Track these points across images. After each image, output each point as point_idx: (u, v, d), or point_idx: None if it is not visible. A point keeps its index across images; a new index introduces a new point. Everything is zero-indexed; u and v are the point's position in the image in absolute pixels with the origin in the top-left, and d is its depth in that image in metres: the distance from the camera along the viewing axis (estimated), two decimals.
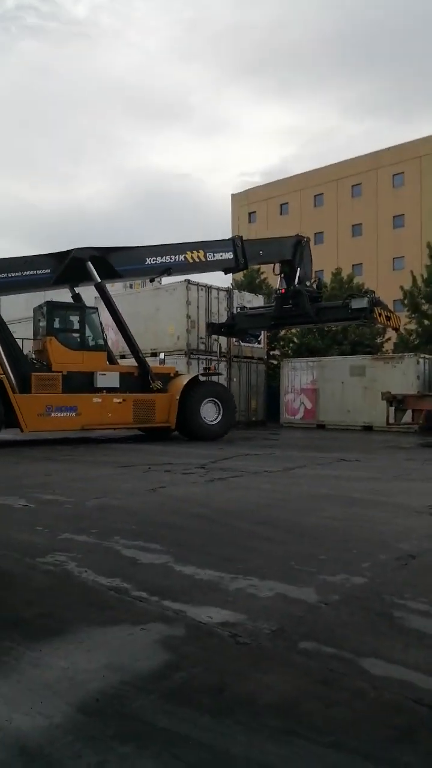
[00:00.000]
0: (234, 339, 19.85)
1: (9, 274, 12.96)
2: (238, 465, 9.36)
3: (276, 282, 20.05)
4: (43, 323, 13.74)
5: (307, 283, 16.72)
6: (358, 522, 5.34)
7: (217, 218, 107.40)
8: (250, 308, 19.41)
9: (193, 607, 3.06)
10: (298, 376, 21.79)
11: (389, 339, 27.51)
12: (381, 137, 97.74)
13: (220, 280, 18.42)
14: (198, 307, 19.07)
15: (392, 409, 15.43)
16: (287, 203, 52.40)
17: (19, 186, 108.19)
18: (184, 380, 14.61)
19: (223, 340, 19.75)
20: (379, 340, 27.30)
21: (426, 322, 25.31)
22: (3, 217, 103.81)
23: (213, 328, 18.83)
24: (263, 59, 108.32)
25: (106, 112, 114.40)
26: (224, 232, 64.08)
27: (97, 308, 14.33)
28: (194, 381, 14.83)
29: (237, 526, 5.02)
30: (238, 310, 19.13)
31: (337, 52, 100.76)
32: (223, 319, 19.36)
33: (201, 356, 19.12)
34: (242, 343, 20.52)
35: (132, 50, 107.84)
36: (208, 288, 19.41)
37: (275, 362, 25.39)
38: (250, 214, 55.06)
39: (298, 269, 16.32)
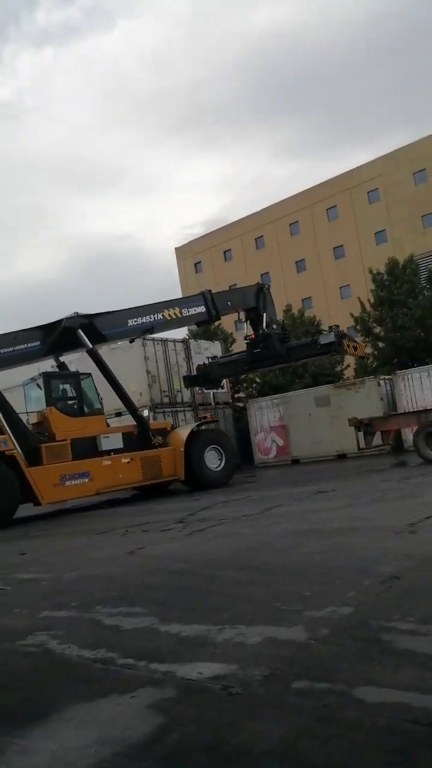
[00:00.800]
0: (197, 388, 19.97)
1: (2, 351, 13.05)
2: (217, 513, 9.29)
3: (230, 327, 20.38)
4: (37, 394, 13.85)
5: (274, 326, 17.56)
6: (339, 552, 5.34)
7: (164, 273, 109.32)
8: (222, 357, 19.96)
9: (181, 666, 3.00)
10: (266, 415, 21.93)
11: (348, 366, 28.04)
12: (311, 175, 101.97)
13: (175, 332, 18.63)
14: (156, 361, 19.20)
15: (361, 434, 15.60)
16: (230, 249, 53.74)
17: None
18: (186, 432, 14.82)
19: (185, 390, 19.83)
20: (338, 368, 27.78)
21: (380, 344, 25.93)
22: None
23: (190, 381, 18.95)
24: (186, 117, 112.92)
25: (38, 186, 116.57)
26: (173, 285, 65.16)
27: (90, 373, 14.50)
28: (193, 431, 14.99)
29: (220, 576, 4.96)
30: (208, 360, 19.45)
31: (256, 101, 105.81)
32: (183, 370, 19.50)
33: (166, 409, 19.13)
34: (205, 391, 20.62)
35: (58, 124, 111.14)
36: (164, 341, 19.58)
37: (241, 404, 25.54)
38: (195, 264, 56.20)
39: (264, 314, 17.03)
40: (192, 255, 56.42)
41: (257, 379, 27.47)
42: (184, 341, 20.86)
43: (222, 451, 15.20)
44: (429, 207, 41.87)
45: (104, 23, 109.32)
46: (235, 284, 52.03)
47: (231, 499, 11.36)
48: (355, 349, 17.63)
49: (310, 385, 24.16)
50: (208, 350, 21.07)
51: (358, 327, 27.26)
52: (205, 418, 16.75)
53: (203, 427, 15.54)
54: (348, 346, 17.05)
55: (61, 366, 14.74)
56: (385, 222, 44.41)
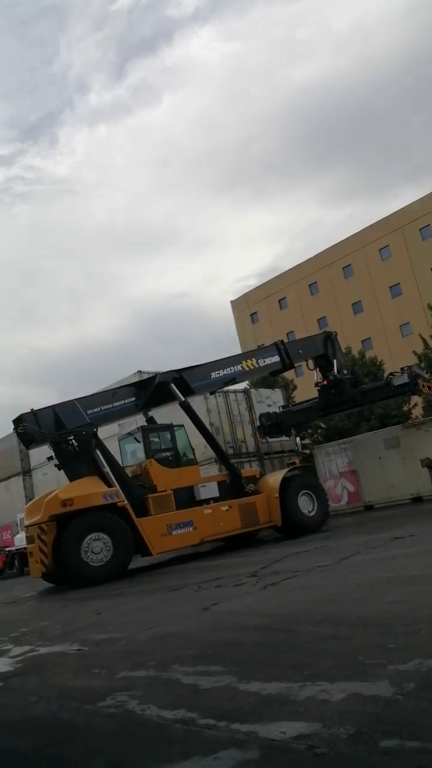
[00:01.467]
0: (262, 438, 19.90)
1: (102, 408, 13.77)
2: (290, 565, 9.06)
3: (290, 374, 20.38)
4: (132, 448, 14.47)
5: (345, 371, 18.09)
6: (422, 600, 5.08)
7: (222, 327, 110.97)
8: (294, 404, 20.69)
9: (263, 726, 2.91)
10: (334, 461, 21.43)
11: (416, 405, 27.29)
12: (361, 219, 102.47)
13: None
14: (219, 413, 19.28)
15: None
16: (284, 297, 54.19)
17: (28, 335, 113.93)
18: (279, 478, 14.90)
19: (249, 440, 19.76)
20: (405, 408, 27.07)
21: (417, 369, 25.10)
22: (21, 367, 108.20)
23: (265, 430, 19.14)
24: (235, 174, 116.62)
25: (100, 254, 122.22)
26: (230, 338, 65.93)
27: (182, 425, 14.92)
28: (285, 477, 15.07)
29: (298, 631, 4.81)
30: (279, 408, 19.90)
31: (302, 151, 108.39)
32: (246, 419, 19.55)
33: (232, 460, 19.04)
34: (270, 439, 20.47)
35: (114, 193, 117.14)
36: (225, 393, 19.70)
37: (308, 451, 25.15)
38: (251, 315, 56.87)
39: (335, 360, 17.65)
40: (247, 306, 57.23)
41: (322, 425, 27.09)
42: (245, 391, 20.92)
43: (314, 496, 15.21)
44: None
45: (151, 97, 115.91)
46: (292, 331, 52.33)
47: (304, 550, 11.06)
48: (431, 388, 17.75)
49: (377, 427, 23.59)
50: (269, 398, 21.01)
51: (422, 364, 26.65)
52: (294, 464, 16.76)
53: (295, 473, 15.59)
54: (423, 385, 17.36)
55: (150, 420, 15.21)
56: None
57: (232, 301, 59.61)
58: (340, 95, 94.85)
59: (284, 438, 21.31)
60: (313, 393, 19.48)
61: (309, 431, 27.50)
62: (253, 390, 21.63)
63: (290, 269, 54.64)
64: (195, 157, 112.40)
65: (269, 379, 28.87)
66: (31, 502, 14.62)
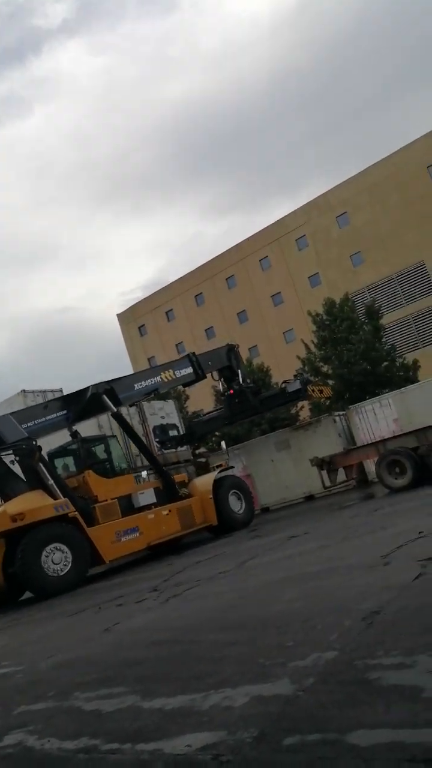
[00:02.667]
0: (157, 448, 19.85)
1: (35, 421, 13.63)
2: (192, 575, 9.06)
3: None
4: (64, 461, 14.55)
5: (248, 381, 19.04)
6: (317, 595, 5.27)
7: (111, 341, 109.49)
8: (204, 414, 21.45)
9: (169, 741, 2.86)
10: None
11: (302, 407, 28.38)
12: (241, 230, 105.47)
13: None
14: (112, 428, 18.94)
15: (324, 472, 15.67)
16: (171, 309, 54.47)
17: None
18: (210, 479, 15.51)
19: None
20: (293, 411, 28.07)
21: (330, 382, 26.44)
22: None
23: (177, 441, 19.70)
24: (114, 188, 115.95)
25: None
26: (119, 351, 65.24)
27: (115, 435, 15.54)
28: (216, 479, 15.69)
29: (200, 640, 4.81)
30: (193, 419, 21.03)
31: (179, 165, 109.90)
32: (140, 432, 19.36)
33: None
34: (164, 451, 20.43)
35: None
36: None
37: (203, 460, 25.33)
38: (139, 328, 56.57)
39: (239, 370, 18.56)
40: (135, 319, 56.88)
41: (216, 433, 27.44)
42: (136, 404, 20.74)
43: (242, 495, 16.00)
44: (356, 247, 43.74)
45: (22, 109, 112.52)
46: (181, 342, 52.66)
47: (205, 558, 11.11)
48: (321, 391, 19.15)
49: (268, 431, 24.26)
50: (162, 410, 20.98)
51: (306, 368, 27.79)
52: (220, 465, 17.20)
53: (224, 474, 16.22)
54: (313, 390, 18.69)
55: (74, 434, 15.05)
56: (316, 266, 46.07)
57: (118, 315, 59.02)
58: (212, 112, 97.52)
59: (181, 448, 21.38)
60: (202, 403, 20.17)
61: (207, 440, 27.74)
62: (145, 403, 21.48)
63: (175, 281, 55.04)
64: (71, 171, 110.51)
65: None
66: None
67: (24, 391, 21.11)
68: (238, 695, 3.25)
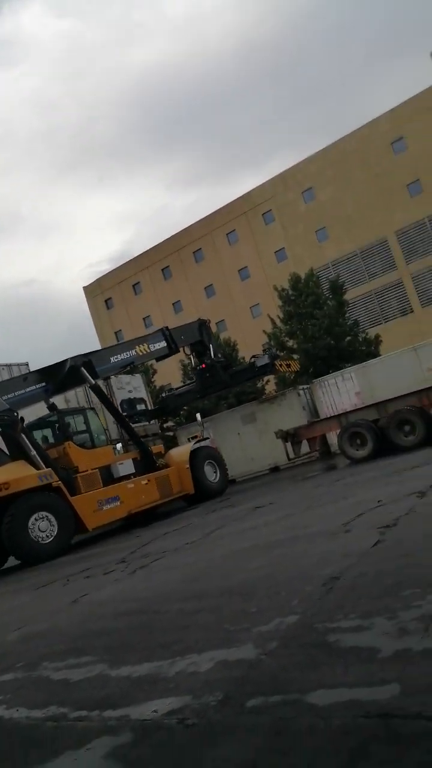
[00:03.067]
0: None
1: (15, 393, 13.70)
2: (159, 546, 9.17)
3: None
4: (42, 433, 14.55)
5: (219, 355, 19.43)
6: (281, 563, 5.41)
7: (75, 313, 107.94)
8: (176, 388, 21.80)
9: (136, 708, 2.94)
10: None
11: (268, 381, 28.61)
12: (208, 203, 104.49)
13: None
14: (78, 402, 18.80)
15: (289, 444, 15.93)
16: (138, 282, 53.86)
17: None
18: (187, 450, 16.03)
19: (112, 427, 19.57)
20: (259, 385, 28.29)
21: (295, 356, 26.68)
22: None
23: (151, 414, 20.37)
24: (77, 156, 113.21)
25: None
26: (85, 325, 64.31)
27: (94, 407, 15.76)
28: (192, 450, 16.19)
29: (166, 610, 4.90)
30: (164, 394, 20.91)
31: (145, 135, 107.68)
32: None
33: None
34: (132, 425, 20.40)
35: None
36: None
37: (171, 433, 25.42)
38: (106, 301, 55.85)
39: (210, 345, 18.83)
40: (101, 292, 56.10)
41: (184, 407, 27.50)
42: (105, 378, 20.61)
43: (216, 465, 16.50)
44: (321, 222, 43.81)
45: None
46: (148, 316, 52.25)
47: (172, 530, 11.24)
48: (289, 366, 19.72)
49: (234, 405, 24.43)
50: (129, 384, 20.88)
51: (272, 342, 27.95)
52: (195, 437, 17.68)
53: (199, 445, 16.69)
54: (281, 364, 19.29)
55: (52, 407, 15.10)
56: (282, 240, 46.03)
57: (84, 287, 58.09)
58: (178, 80, 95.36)
59: (147, 423, 21.37)
60: (168, 377, 20.29)
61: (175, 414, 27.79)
62: (113, 377, 21.35)
63: (142, 254, 54.32)
64: (33, 137, 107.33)
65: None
66: None
67: None
68: (203, 661, 3.34)
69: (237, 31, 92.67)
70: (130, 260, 55.33)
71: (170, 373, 31.03)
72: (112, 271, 56.63)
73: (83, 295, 58.10)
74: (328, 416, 16.81)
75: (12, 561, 13.69)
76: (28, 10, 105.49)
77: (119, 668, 3.62)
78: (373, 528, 5.52)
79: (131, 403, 19.89)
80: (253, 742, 2.33)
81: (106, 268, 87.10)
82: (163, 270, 52.56)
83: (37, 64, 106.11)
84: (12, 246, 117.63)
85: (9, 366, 21.23)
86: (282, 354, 24.33)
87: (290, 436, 15.76)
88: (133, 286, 54.22)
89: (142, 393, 21.65)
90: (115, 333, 53.31)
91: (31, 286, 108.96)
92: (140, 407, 20.37)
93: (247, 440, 20.73)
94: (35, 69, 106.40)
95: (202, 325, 19.24)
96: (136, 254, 55.32)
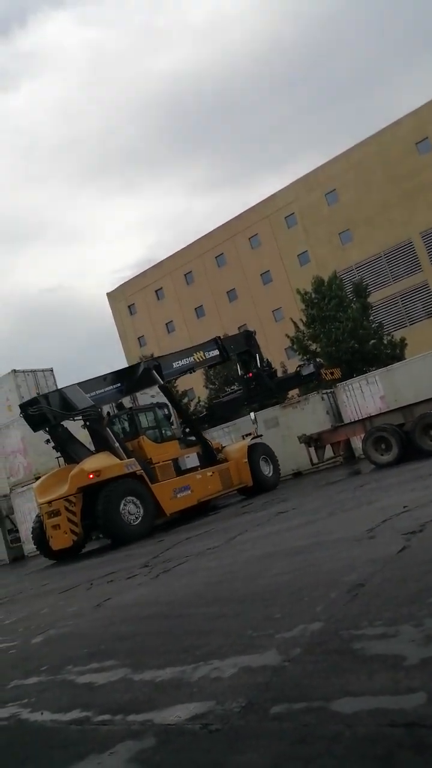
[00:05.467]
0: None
1: (96, 392, 15.09)
2: (181, 551, 9.17)
3: None
4: (119, 427, 15.63)
5: (264, 365, 20.31)
6: (305, 569, 5.36)
7: (98, 319, 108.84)
8: (223, 396, 23.00)
9: (159, 713, 2.94)
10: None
11: None
12: (230, 207, 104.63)
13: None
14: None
15: (312, 449, 15.80)
16: (161, 288, 54.13)
17: None
18: (245, 445, 17.08)
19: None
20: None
21: (318, 360, 26.50)
22: None
23: (201, 421, 21.07)
24: (102, 164, 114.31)
25: None
26: (109, 330, 64.81)
27: (165, 403, 16.80)
28: (250, 445, 17.20)
29: (190, 614, 4.90)
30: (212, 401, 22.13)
31: (168, 141, 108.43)
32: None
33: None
34: None
35: None
36: None
37: (193, 438, 25.41)
38: (129, 307, 56.22)
39: (257, 355, 19.87)
40: (125, 298, 56.50)
41: (204, 411, 27.49)
42: None
43: (270, 460, 17.43)
44: (344, 225, 43.55)
45: (7, 84, 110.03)
46: (171, 321, 52.49)
47: (194, 534, 11.24)
48: (332, 374, 20.44)
49: (257, 410, 24.35)
50: (151, 389, 21.00)
51: (295, 346, 27.83)
52: (250, 434, 18.34)
53: (255, 441, 17.66)
54: (326, 373, 20.33)
55: (119, 406, 16.47)
56: (305, 244, 45.85)
57: (108, 294, 58.58)
58: (201, 86, 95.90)
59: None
60: (186, 384, 20.71)
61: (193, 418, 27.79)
62: None
63: (165, 259, 54.58)
64: (58, 146, 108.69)
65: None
66: (41, 480, 15.18)
67: (14, 370, 21.07)
68: (227, 666, 3.33)
69: (260, 32, 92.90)
70: (153, 266, 55.65)
71: (189, 380, 31.09)
72: (135, 277, 57.01)
73: (106, 301, 58.61)
74: (353, 420, 16.67)
75: (36, 564, 13.84)
76: (52, 21, 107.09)
77: (143, 672, 3.62)
78: (399, 534, 5.44)
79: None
80: (277, 748, 2.31)
81: (129, 274, 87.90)
82: (185, 275, 52.73)
83: (62, 74, 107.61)
84: (38, 252, 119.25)
85: (34, 372, 21.60)
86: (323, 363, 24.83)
87: (314, 441, 15.64)
88: (156, 291, 54.50)
89: (163, 398, 21.83)
90: (138, 339, 53.62)
91: (55, 292, 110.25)
92: (162, 412, 20.64)
93: (270, 445, 20.63)
94: (59, 78, 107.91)
95: (249, 335, 20.46)
96: (158, 259, 55.67)
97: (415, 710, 2.29)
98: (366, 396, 18.64)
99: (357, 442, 16.07)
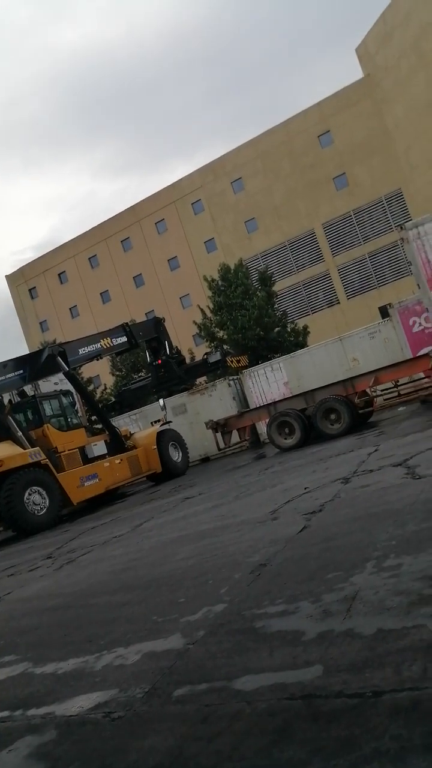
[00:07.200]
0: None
1: None
2: (86, 540, 9.03)
3: None
4: (22, 416, 15.14)
5: (173, 352, 20.47)
6: (209, 552, 5.43)
7: None
8: (132, 383, 22.78)
9: (61, 704, 2.88)
10: None
11: None
12: (136, 191, 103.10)
13: None
14: (12, 393, 18.29)
15: (219, 434, 16.01)
16: (64, 271, 52.53)
17: None
18: (153, 432, 17.06)
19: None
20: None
21: (225, 347, 26.85)
22: None
23: (109, 408, 21.26)
24: (1, 138, 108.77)
25: None
26: (7, 314, 62.11)
27: (70, 391, 16.38)
28: (158, 432, 17.24)
29: (94, 603, 4.83)
30: (121, 388, 21.85)
31: (71, 120, 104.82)
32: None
33: None
34: None
35: None
36: None
37: (99, 426, 25.03)
38: (30, 290, 54.14)
39: (165, 342, 19.84)
40: (25, 281, 54.31)
41: (112, 398, 27.14)
42: None
43: (178, 446, 17.58)
44: (250, 213, 44.16)
45: None
46: (75, 306, 51.12)
47: (100, 523, 11.09)
48: (239, 361, 20.77)
49: (164, 397, 24.33)
50: (55, 376, 20.42)
51: (202, 333, 28.01)
52: (159, 421, 18.30)
53: (163, 428, 17.62)
54: (232, 360, 20.59)
55: (22, 393, 16.04)
56: (212, 231, 46.07)
57: (7, 276, 56.08)
58: (108, 64, 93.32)
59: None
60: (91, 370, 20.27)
61: (101, 406, 27.37)
62: None
63: (68, 242, 52.91)
64: None
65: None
66: None
67: None
68: (131, 653, 3.31)
69: (167, 14, 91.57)
70: (56, 248, 53.83)
71: (94, 366, 30.52)
72: (37, 259, 54.90)
73: (5, 283, 56.11)
74: (258, 406, 17.03)
75: None
76: None
77: (44, 665, 3.53)
78: (300, 514, 5.64)
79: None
80: (180, 730, 2.33)
81: (30, 256, 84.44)
82: (90, 259, 51.46)
83: None
84: None
85: None
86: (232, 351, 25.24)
87: (220, 427, 15.85)
88: (59, 275, 52.84)
89: (68, 386, 21.32)
90: (40, 323, 51.90)
91: None
92: (67, 400, 20.19)
93: (179, 431, 20.69)
94: None
95: (159, 322, 20.28)
96: (62, 242, 53.91)
97: (312, 682, 2.38)
98: (271, 382, 19.11)
99: (262, 427, 16.49)
